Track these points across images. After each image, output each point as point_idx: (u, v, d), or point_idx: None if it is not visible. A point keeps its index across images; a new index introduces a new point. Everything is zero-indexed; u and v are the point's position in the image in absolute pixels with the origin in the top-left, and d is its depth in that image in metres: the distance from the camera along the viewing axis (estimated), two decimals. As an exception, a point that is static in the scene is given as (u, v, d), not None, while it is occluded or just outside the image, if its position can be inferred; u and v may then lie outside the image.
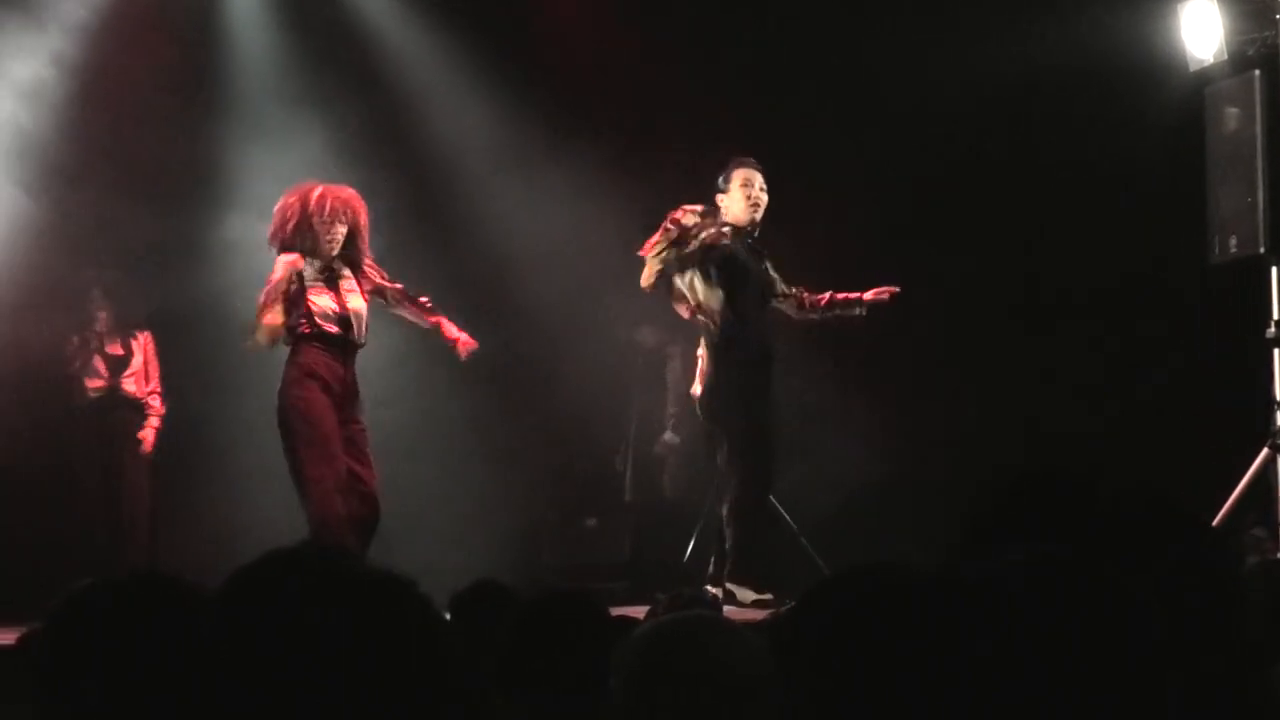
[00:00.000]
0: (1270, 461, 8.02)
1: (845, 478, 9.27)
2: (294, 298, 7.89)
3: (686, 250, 8.22)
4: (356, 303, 7.98)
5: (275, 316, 7.87)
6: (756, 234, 8.37)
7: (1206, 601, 1.39)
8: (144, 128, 9.95)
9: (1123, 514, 1.41)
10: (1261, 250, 8.20)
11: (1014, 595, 1.39)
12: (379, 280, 8.15)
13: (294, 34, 10.67)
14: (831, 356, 9.42)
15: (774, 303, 8.47)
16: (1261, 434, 8.11)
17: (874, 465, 8.62)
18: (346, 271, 8.03)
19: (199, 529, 9.42)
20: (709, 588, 8.02)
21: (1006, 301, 10.15)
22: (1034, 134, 9.99)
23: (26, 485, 9.45)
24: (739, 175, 8.32)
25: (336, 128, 10.18)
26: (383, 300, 8.18)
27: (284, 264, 7.90)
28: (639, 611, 5.36)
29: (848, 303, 8.48)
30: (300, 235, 7.94)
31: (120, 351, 9.78)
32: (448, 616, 3.79)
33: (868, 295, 8.45)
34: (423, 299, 8.27)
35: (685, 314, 8.37)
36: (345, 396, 7.92)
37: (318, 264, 7.97)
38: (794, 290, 8.51)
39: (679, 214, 8.27)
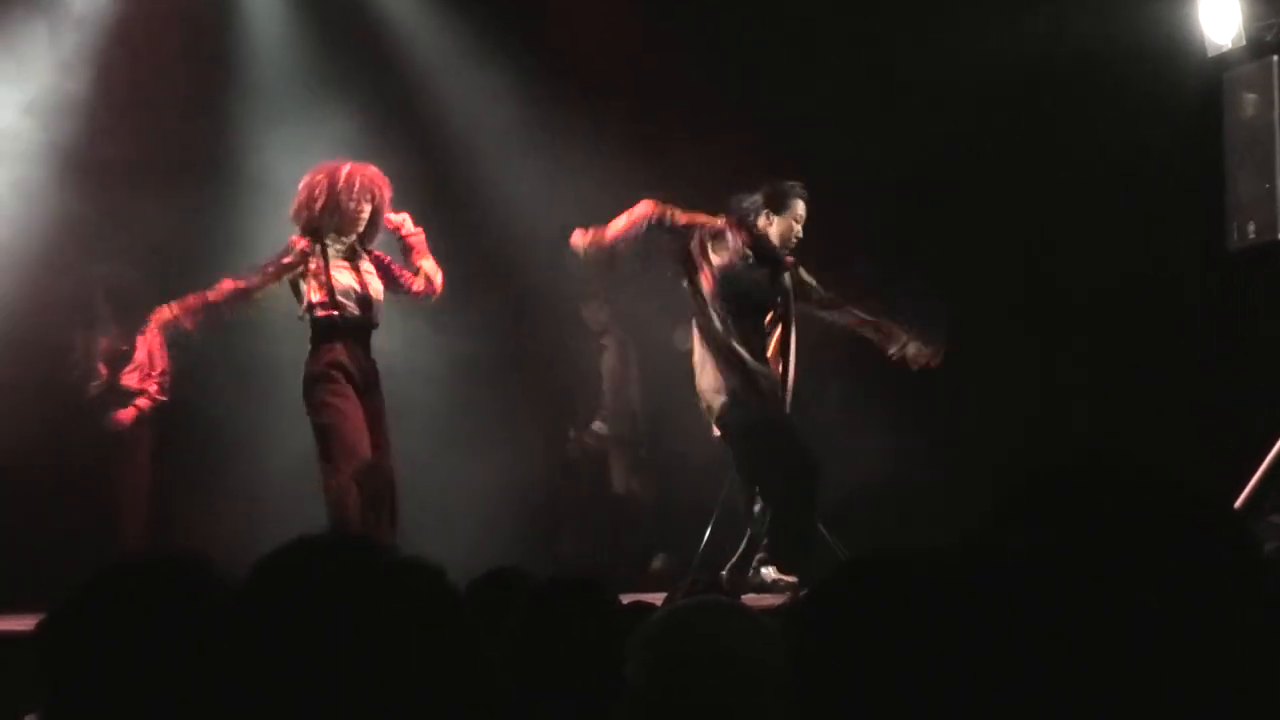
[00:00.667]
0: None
1: (844, 477, 9.24)
2: (317, 275, 7.86)
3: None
4: (376, 285, 7.97)
5: (254, 292, 7.92)
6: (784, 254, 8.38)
7: (1215, 596, 1.38)
8: (161, 117, 9.96)
9: (1133, 504, 1.41)
10: (1279, 236, 8.18)
11: (1014, 594, 1.38)
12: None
13: (310, 21, 10.67)
14: (834, 356, 9.39)
15: (803, 308, 8.45)
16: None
17: (874, 464, 8.59)
18: (365, 252, 8.02)
19: (203, 532, 9.33)
20: (726, 573, 8.04)
21: (1014, 296, 10.10)
22: (1048, 120, 9.95)
23: (28, 484, 9.41)
24: (799, 205, 8.32)
25: (351, 115, 10.15)
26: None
27: (297, 249, 7.90)
28: (657, 599, 5.35)
29: (878, 333, 8.47)
30: (328, 214, 7.89)
31: (124, 347, 9.70)
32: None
33: (896, 353, 8.45)
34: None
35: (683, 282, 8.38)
36: (365, 379, 7.90)
37: (343, 243, 7.95)
38: (827, 295, 8.50)
39: (678, 219, 8.27)
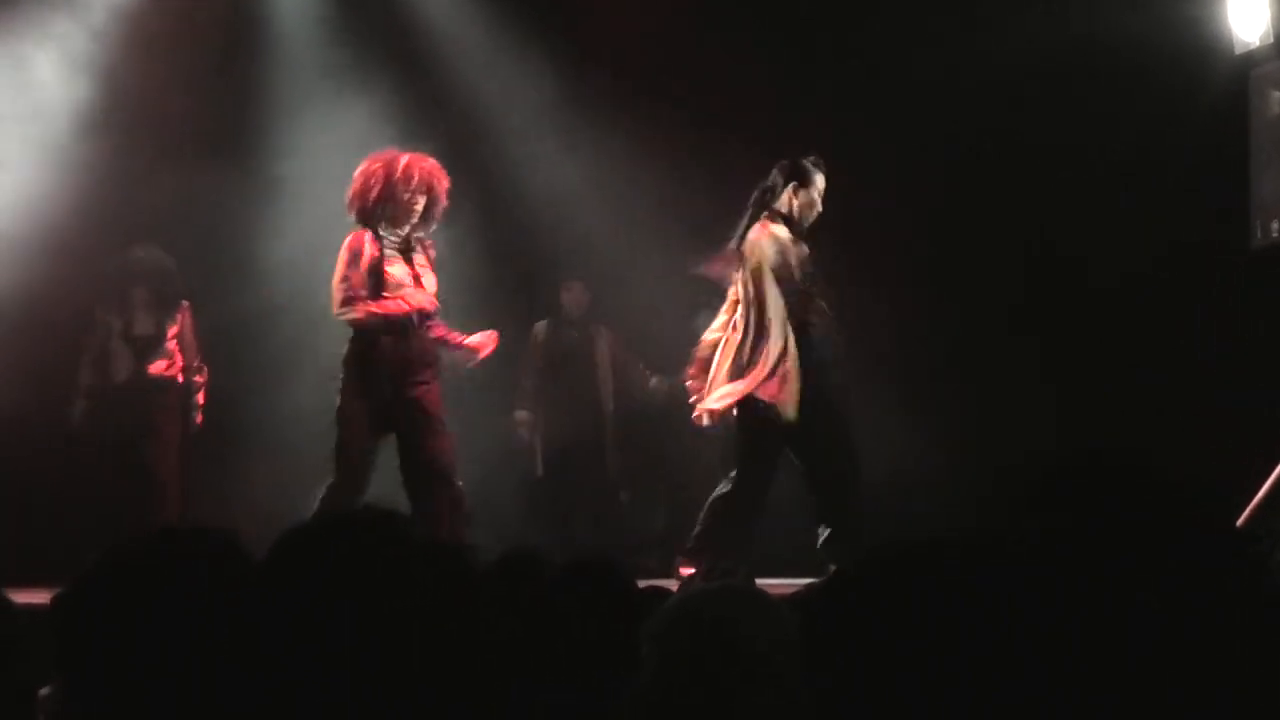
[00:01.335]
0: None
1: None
2: (373, 268, 7.78)
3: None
4: (430, 280, 7.88)
5: (364, 306, 7.77)
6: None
7: (1215, 596, 1.40)
8: (188, 98, 9.94)
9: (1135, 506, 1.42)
10: (1303, 235, 8.16)
11: (1015, 593, 1.40)
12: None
13: (338, 4, 10.66)
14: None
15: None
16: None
17: (873, 464, 8.57)
18: (420, 245, 7.93)
19: (239, 512, 9.29)
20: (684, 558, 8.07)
21: (1018, 294, 10.07)
22: (1072, 115, 9.90)
23: (52, 470, 9.42)
24: (819, 178, 8.24)
25: (383, 99, 10.13)
26: None
27: (348, 251, 7.79)
28: (673, 585, 5.37)
29: None
30: (383, 205, 7.80)
31: (152, 331, 9.57)
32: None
33: None
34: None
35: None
36: (409, 365, 7.79)
37: (399, 235, 7.87)
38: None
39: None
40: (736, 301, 8.27)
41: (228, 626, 1.97)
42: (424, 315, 7.87)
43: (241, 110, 10.34)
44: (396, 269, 7.82)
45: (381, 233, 7.83)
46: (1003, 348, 9.80)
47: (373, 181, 7.81)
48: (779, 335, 8.09)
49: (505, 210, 10.57)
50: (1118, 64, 9.50)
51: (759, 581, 4.64)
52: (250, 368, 10.09)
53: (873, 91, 10.06)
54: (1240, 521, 7.33)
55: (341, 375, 7.83)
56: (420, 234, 7.96)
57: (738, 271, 8.24)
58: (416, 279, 7.84)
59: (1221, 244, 8.89)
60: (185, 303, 9.59)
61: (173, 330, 9.57)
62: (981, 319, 9.65)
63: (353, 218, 7.87)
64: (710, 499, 8.25)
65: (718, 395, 8.19)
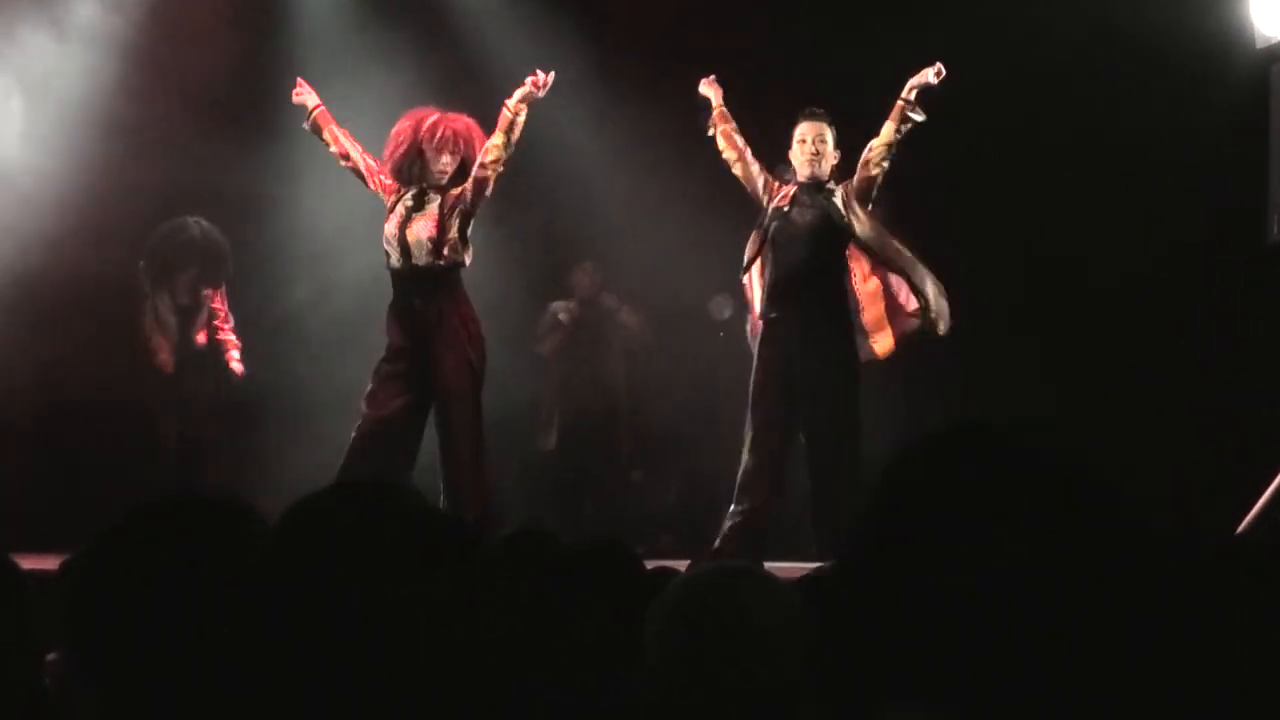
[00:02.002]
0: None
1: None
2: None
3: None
4: (420, 228, 7.82)
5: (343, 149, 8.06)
6: (828, 185, 8.30)
7: (1215, 596, 1.40)
8: (218, 73, 9.91)
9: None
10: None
11: (1015, 594, 1.39)
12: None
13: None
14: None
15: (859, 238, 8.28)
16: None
17: (875, 464, 8.55)
18: (436, 199, 7.87)
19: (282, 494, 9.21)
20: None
21: (1023, 292, 10.05)
22: (1092, 108, 9.87)
23: (102, 442, 9.44)
24: (797, 130, 8.26)
25: (408, 78, 10.08)
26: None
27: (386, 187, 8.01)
28: (682, 564, 5.37)
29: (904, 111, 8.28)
30: (409, 162, 7.85)
31: (194, 304, 9.57)
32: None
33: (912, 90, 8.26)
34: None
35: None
36: (423, 328, 7.83)
37: (413, 191, 7.89)
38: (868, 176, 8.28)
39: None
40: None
41: (233, 601, 1.97)
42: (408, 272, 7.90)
43: (277, 81, 10.29)
44: (388, 226, 7.85)
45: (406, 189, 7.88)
46: (1003, 348, 9.78)
47: (400, 140, 7.88)
48: None
49: (528, 187, 10.55)
50: (1132, 57, 9.46)
51: (768, 565, 4.65)
52: (296, 344, 10.09)
53: (873, 91, 10.03)
54: (1241, 528, 7.31)
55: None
56: (438, 192, 7.90)
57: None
58: (400, 229, 7.81)
59: (1222, 244, 8.89)
60: (222, 285, 9.62)
61: (206, 304, 9.57)
62: (981, 319, 9.62)
63: (387, 176, 7.92)
64: None
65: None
